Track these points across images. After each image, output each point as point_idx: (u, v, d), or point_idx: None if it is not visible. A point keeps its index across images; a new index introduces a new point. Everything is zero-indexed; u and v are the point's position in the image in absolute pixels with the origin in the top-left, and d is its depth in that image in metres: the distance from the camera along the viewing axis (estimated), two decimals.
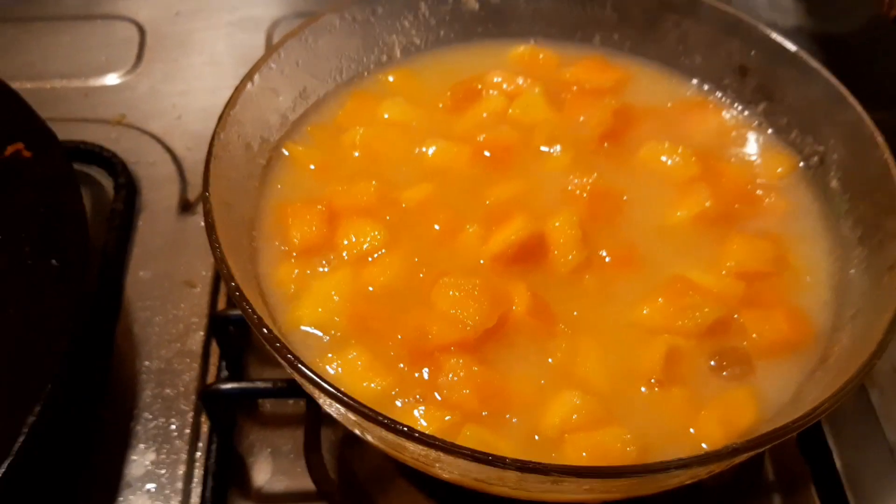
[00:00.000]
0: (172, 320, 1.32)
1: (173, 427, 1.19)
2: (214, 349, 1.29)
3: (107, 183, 1.60)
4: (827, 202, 1.25)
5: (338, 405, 0.87)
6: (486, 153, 1.31)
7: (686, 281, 1.13)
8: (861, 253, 1.15)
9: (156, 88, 1.85)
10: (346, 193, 1.22)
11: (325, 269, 1.16)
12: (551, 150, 1.31)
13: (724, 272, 1.16)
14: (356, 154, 1.30)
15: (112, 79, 1.86)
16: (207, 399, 1.24)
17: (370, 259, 1.17)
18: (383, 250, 1.17)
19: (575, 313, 1.11)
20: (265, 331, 0.92)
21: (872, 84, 1.55)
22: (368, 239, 1.18)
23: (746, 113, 1.39)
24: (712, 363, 1.07)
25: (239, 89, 1.19)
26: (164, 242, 1.41)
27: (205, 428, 1.28)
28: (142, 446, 1.16)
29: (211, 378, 1.34)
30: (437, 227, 1.21)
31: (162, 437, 1.17)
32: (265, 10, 1.96)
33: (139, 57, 1.80)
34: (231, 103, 1.17)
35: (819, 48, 1.83)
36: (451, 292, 1.09)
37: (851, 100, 1.20)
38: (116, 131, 1.73)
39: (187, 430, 1.18)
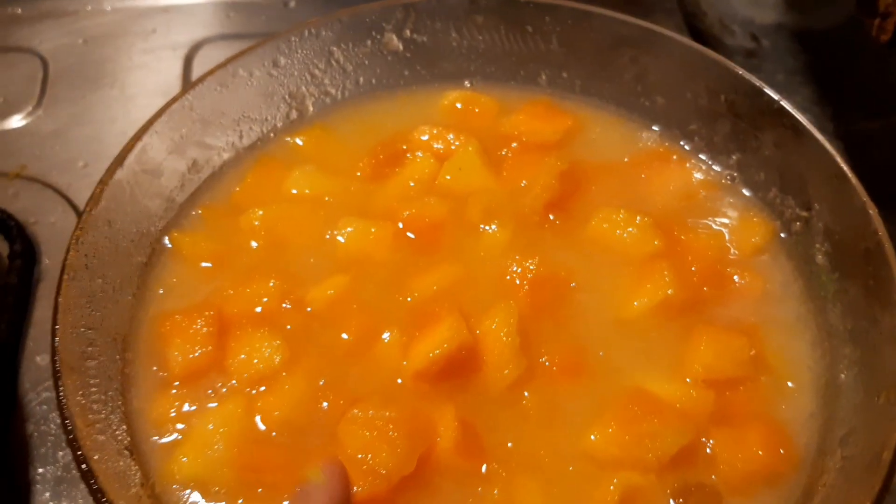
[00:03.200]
0: None
1: None
2: None
3: (1, 248, 1.42)
4: (812, 280, 1.10)
5: None
6: (411, 234, 1.12)
7: (644, 396, 0.99)
8: (853, 353, 0.99)
9: (60, 132, 1.67)
10: (240, 296, 1.07)
11: (213, 403, 0.99)
12: (488, 228, 1.13)
13: (689, 380, 1.01)
14: (255, 242, 1.12)
15: (12, 122, 1.68)
16: None
17: (264, 386, 0.99)
18: (283, 372, 1.00)
19: (510, 444, 0.97)
20: None
21: (858, 88, 1.40)
22: (264, 357, 1.01)
23: (716, 167, 1.23)
24: None
25: (104, 181, 1.03)
26: None
27: None
28: None
29: None
30: (347, 336, 1.04)
31: None
32: (183, 33, 1.79)
33: (42, 94, 1.64)
34: (94, 200, 1.01)
35: (799, 46, 1.69)
36: (360, 431, 0.94)
37: (839, 160, 1.04)
38: (14, 186, 1.56)
39: None
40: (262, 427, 0.98)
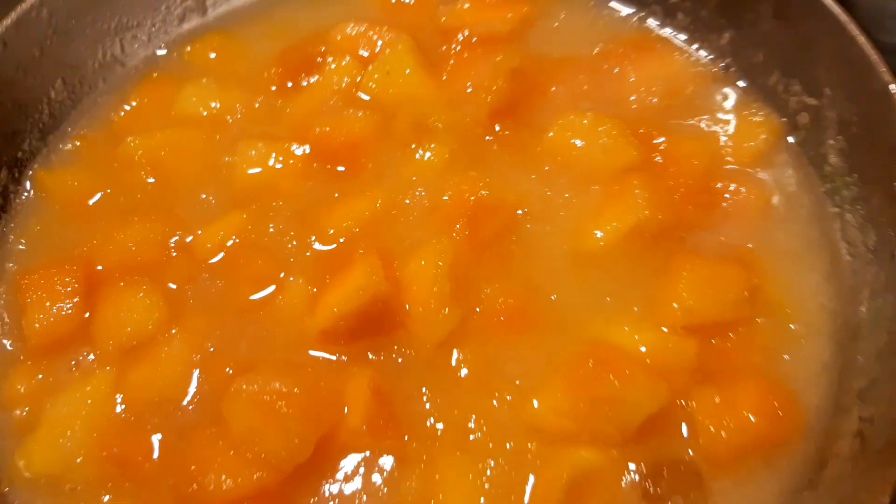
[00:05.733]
0: None
1: None
2: None
3: None
4: (825, 191, 0.88)
5: None
6: (327, 157, 0.93)
7: (605, 350, 0.82)
8: (877, 278, 0.80)
9: None
10: (115, 245, 0.91)
11: (74, 379, 0.82)
12: (421, 146, 0.93)
13: (665, 327, 0.80)
14: (138, 178, 0.94)
15: None
16: None
17: (137, 356, 0.82)
18: (160, 338, 0.83)
19: (433, 419, 0.80)
20: None
21: None
22: (137, 320, 0.85)
23: (705, 53, 1.03)
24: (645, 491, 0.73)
25: None
26: None
27: None
28: None
29: None
30: (242, 288, 0.85)
31: None
32: None
33: None
34: None
35: None
36: (246, 409, 0.78)
37: (855, 30, 0.82)
38: None
39: None
40: (126, 408, 0.82)
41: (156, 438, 0.81)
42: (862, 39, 0.83)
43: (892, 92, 0.80)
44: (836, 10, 0.85)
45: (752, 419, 0.78)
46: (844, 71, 0.86)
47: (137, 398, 0.82)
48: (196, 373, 0.83)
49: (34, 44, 0.96)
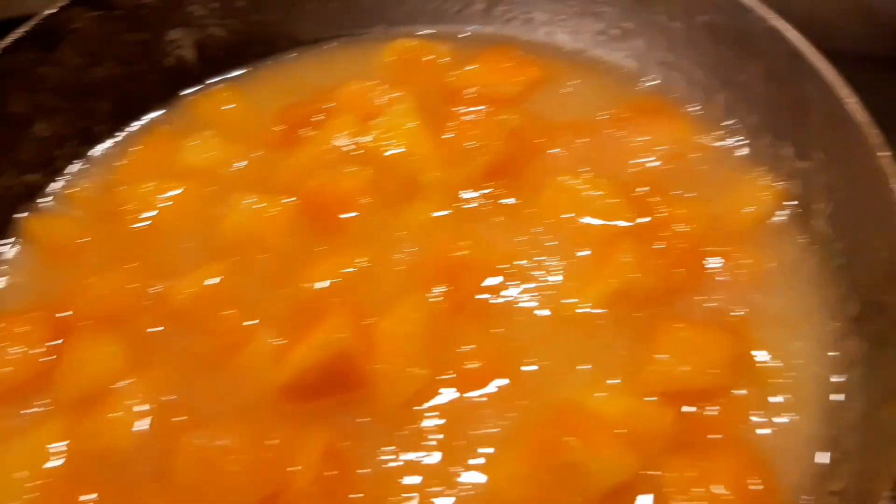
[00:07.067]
0: None
1: None
2: None
3: None
4: (816, 255, 0.85)
5: None
6: (316, 211, 0.93)
7: (575, 414, 0.77)
8: (859, 344, 0.74)
9: None
10: (88, 292, 0.90)
11: (28, 422, 0.82)
12: (409, 202, 0.92)
13: (642, 393, 0.77)
14: (127, 227, 0.95)
15: None
16: None
17: (93, 404, 0.82)
18: (118, 386, 0.83)
19: (388, 486, 0.75)
20: None
21: None
22: (97, 368, 0.85)
23: (708, 117, 0.98)
24: None
25: None
26: None
27: None
28: None
29: None
30: (211, 339, 0.86)
31: None
32: None
33: None
34: None
35: None
36: (192, 464, 0.77)
37: (842, 89, 0.79)
38: None
39: None
40: (69, 459, 0.81)
41: (92, 495, 0.78)
42: (852, 101, 0.79)
43: (879, 156, 0.75)
44: (827, 69, 0.81)
45: (726, 494, 0.72)
46: (834, 134, 0.82)
47: (83, 449, 0.81)
48: (147, 425, 0.81)
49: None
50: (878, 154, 0.74)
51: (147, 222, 0.98)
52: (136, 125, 1.09)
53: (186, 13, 1.08)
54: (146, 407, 0.83)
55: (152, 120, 1.09)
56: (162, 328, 0.89)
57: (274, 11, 1.11)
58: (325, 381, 0.81)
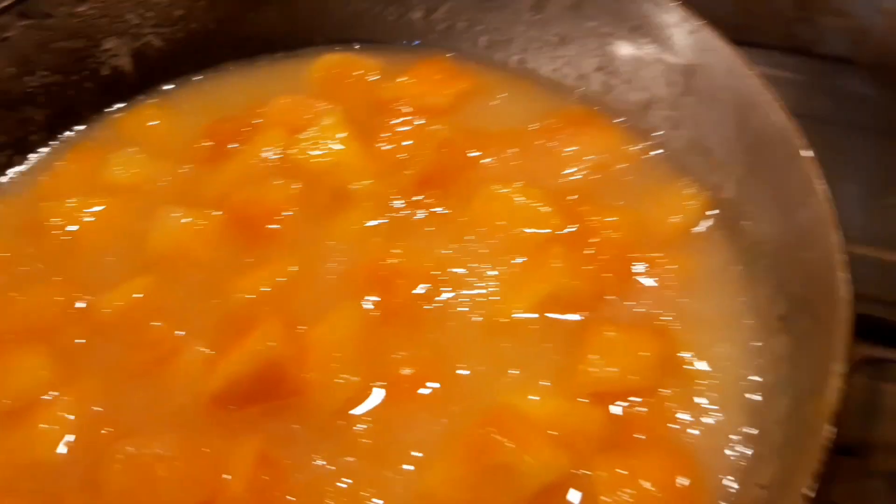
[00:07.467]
0: None
1: None
2: None
3: None
4: (742, 261, 0.86)
5: None
6: (243, 224, 0.92)
7: (507, 417, 0.77)
8: (786, 347, 0.76)
9: None
10: (12, 308, 0.88)
11: None
12: (339, 212, 0.92)
13: (573, 394, 0.79)
14: (47, 244, 0.94)
15: None
16: None
17: (17, 418, 0.81)
18: (45, 398, 0.81)
19: (320, 492, 0.74)
20: None
21: None
22: (23, 382, 0.83)
23: (636, 129, 1.00)
24: None
25: None
26: None
27: None
28: None
29: None
30: (139, 351, 0.85)
31: None
32: None
33: None
34: None
35: None
36: (120, 474, 0.76)
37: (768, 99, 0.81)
38: None
39: None
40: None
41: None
42: (776, 109, 0.81)
43: (805, 159, 0.78)
44: (752, 77, 0.84)
45: (655, 492, 0.73)
46: (757, 137, 0.84)
47: (11, 462, 0.79)
48: (74, 436, 0.80)
49: None
50: (801, 154, 0.75)
51: (70, 237, 0.95)
52: (65, 137, 1.06)
53: (122, 21, 1.06)
54: (75, 418, 0.82)
55: (78, 134, 1.07)
56: (89, 341, 0.87)
57: (212, 21, 1.10)
58: (256, 389, 0.81)
